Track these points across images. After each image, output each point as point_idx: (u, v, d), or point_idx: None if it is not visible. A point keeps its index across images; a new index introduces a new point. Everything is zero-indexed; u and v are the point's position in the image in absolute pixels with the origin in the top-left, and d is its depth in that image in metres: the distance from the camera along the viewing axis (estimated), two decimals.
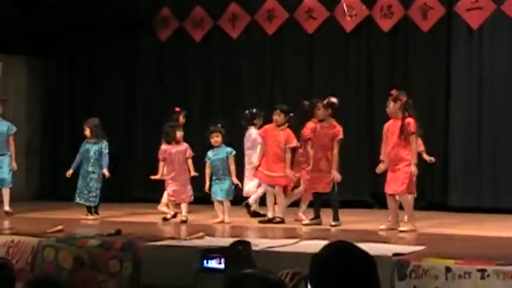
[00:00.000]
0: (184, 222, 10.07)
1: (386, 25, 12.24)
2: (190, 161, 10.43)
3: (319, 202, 9.86)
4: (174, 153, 10.43)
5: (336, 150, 9.72)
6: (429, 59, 12.05)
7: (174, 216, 10.35)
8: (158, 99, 13.52)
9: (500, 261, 6.20)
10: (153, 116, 13.04)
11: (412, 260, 6.37)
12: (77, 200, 10.84)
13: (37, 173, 14.34)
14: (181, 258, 7.09)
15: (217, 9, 13.26)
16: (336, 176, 9.69)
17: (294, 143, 10.13)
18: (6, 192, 11.30)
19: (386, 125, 9.34)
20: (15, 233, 8.33)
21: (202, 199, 10.54)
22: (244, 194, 10.92)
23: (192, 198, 10.38)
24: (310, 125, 10.09)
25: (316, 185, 9.80)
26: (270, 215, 10.14)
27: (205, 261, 6.29)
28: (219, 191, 10.12)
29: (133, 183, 13.34)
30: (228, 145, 10.34)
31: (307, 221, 9.82)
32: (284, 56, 13.02)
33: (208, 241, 7.77)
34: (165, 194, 10.79)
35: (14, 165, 11.48)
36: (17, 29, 13.34)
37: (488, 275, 6.00)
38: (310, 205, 10.09)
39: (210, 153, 10.26)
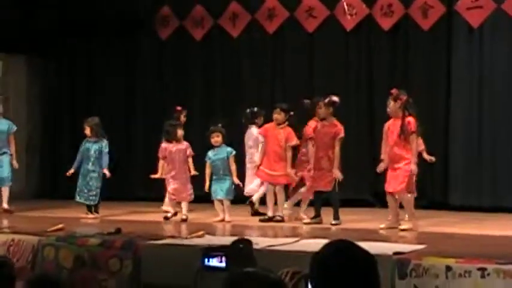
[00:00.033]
0: (184, 221, 10.08)
1: (386, 24, 12.24)
2: (190, 160, 10.44)
3: (319, 201, 9.86)
4: (175, 152, 10.43)
5: (337, 149, 9.72)
6: (429, 58, 12.05)
7: (175, 214, 10.36)
8: (158, 98, 13.52)
9: (500, 260, 6.20)
10: (153, 115, 13.04)
11: (412, 259, 6.37)
12: (77, 198, 10.84)
13: (37, 172, 14.36)
14: (182, 257, 7.09)
15: (218, 8, 13.26)
16: (338, 174, 9.69)
17: (295, 141, 10.13)
18: (5, 191, 11.34)
19: (386, 125, 9.34)
20: (15, 231, 8.33)
21: (202, 198, 10.54)
22: (246, 193, 10.92)
23: (193, 196, 10.39)
24: (312, 123, 10.08)
25: (318, 183, 9.80)
26: (270, 213, 10.15)
27: (206, 260, 6.30)
28: (219, 190, 10.12)
29: (133, 182, 13.34)
30: (228, 145, 10.33)
31: (307, 220, 9.83)
32: (284, 54, 13.02)
33: (208, 240, 7.77)
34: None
35: (15, 163, 11.52)
36: (17, 29, 13.35)
37: (488, 274, 6.00)
38: (311, 204, 10.09)
39: (210, 153, 10.25)
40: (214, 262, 6.27)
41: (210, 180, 10.17)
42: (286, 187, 10.30)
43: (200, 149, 10.74)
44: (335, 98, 9.84)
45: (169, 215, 10.37)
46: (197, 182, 10.45)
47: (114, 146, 11.37)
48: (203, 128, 11.11)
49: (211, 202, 10.24)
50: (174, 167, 10.40)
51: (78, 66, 14.34)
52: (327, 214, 9.71)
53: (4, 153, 11.45)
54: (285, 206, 10.22)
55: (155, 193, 11.60)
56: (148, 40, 13.73)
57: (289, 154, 10.11)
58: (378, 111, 11.21)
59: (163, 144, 10.60)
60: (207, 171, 10.21)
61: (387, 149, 9.24)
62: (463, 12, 11.73)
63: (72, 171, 10.88)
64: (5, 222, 9.96)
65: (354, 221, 10.01)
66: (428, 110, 11.24)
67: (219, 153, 10.21)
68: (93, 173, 10.81)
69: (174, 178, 10.39)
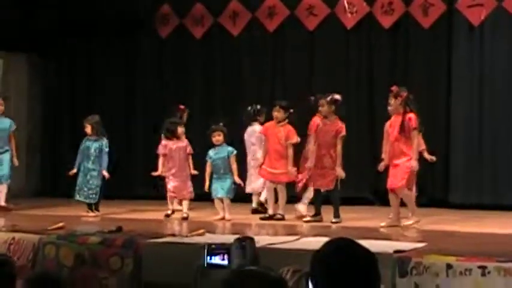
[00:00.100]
0: (185, 219, 10.08)
1: (387, 22, 12.23)
2: (190, 158, 10.44)
3: (320, 199, 9.86)
4: (175, 150, 10.43)
5: (339, 147, 9.73)
6: (430, 56, 12.05)
7: (172, 212, 10.39)
8: (158, 97, 13.51)
9: (500, 257, 6.20)
10: (154, 114, 13.02)
11: (413, 257, 6.37)
12: (77, 197, 10.84)
13: (37, 170, 14.36)
14: (182, 255, 7.10)
15: (218, 6, 13.25)
16: (341, 173, 9.69)
17: (295, 138, 10.13)
18: (3, 188, 11.36)
19: (387, 123, 9.36)
20: (16, 230, 8.33)
21: (202, 196, 10.54)
22: (250, 191, 10.91)
23: (193, 194, 10.39)
24: (316, 119, 10.03)
25: (319, 181, 9.80)
26: (270, 211, 10.15)
27: (209, 258, 6.30)
28: (219, 188, 10.11)
29: (134, 180, 13.35)
30: (229, 144, 10.32)
31: (308, 218, 9.83)
32: (285, 53, 13.02)
33: (208, 238, 7.78)
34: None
35: (15, 161, 11.54)
36: (17, 29, 13.34)
37: (489, 272, 6.00)
38: (311, 202, 10.09)
39: (211, 152, 10.24)
40: (216, 260, 6.27)
41: (210, 180, 10.17)
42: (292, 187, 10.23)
43: (200, 146, 10.74)
44: (337, 96, 9.85)
45: (169, 212, 10.39)
46: (197, 181, 10.45)
47: (114, 146, 11.36)
48: (203, 126, 11.11)
49: (212, 201, 10.24)
50: (174, 164, 10.40)
51: (78, 66, 14.33)
52: (327, 212, 9.71)
53: (6, 151, 11.47)
54: (300, 208, 10.13)
55: (155, 192, 11.59)
56: (148, 40, 13.73)
57: (290, 152, 10.10)
58: (379, 109, 11.22)
59: (164, 142, 10.61)
60: (208, 170, 10.20)
61: (388, 147, 9.25)
62: (464, 10, 11.73)
63: (74, 170, 10.85)
64: (5, 221, 9.96)
65: (354, 219, 10.02)
66: (428, 108, 11.23)
67: (220, 152, 10.20)
68: (94, 172, 10.80)
69: (174, 176, 10.40)
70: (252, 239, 6.53)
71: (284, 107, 10.24)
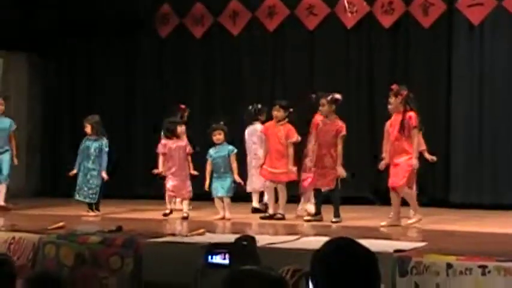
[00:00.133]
0: (185, 218, 10.08)
1: (387, 21, 12.23)
2: (189, 158, 10.44)
3: (320, 199, 9.86)
4: (174, 149, 10.43)
5: (339, 147, 9.73)
6: (430, 56, 12.05)
7: (170, 212, 10.39)
8: (158, 97, 13.52)
9: (501, 257, 6.20)
10: (153, 113, 13.03)
11: (413, 257, 6.36)
12: (76, 197, 10.84)
13: (37, 170, 14.36)
14: (183, 254, 7.10)
15: (218, 6, 13.26)
16: (342, 172, 9.69)
17: (295, 137, 10.12)
18: (2, 188, 11.37)
19: (387, 123, 9.35)
20: (16, 229, 8.33)
21: (202, 196, 10.54)
22: (251, 190, 10.91)
23: (192, 194, 10.39)
24: (318, 117, 10.01)
25: (320, 181, 9.79)
26: (270, 211, 10.15)
27: (210, 257, 6.30)
28: (220, 187, 10.11)
29: (134, 180, 13.35)
30: (229, 143, 10.33)
31: (308, 218, 9.82)
32: (285, 52, 13.02)
33: (209, 237, 7.77)
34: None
35: (15, 160, 11.56)
36: (17, 29, 13.34)
37: (489, 271, 6.00)
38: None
39: (211, 151, 10.24)
40: (217, 259, 6.27)
41: (210, 179, 10.17)
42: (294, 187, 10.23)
43: (200, 146, 10.75)
44: (338, 96, 9.85)
45: (167, 211, 10.40)
46: (197, 180, 10.45)
47: (114, 145, 11.37)
48: (203, 125, 11.11)
49: (212, 200, 10.24)
50: (174, 163, 10.40)
51: (78, 66, 14.34)
52: (327, 212, 9.71)
53: (6, 151, 11.48)
54: (309, 208, 10.11)
55: (155, 191, 11.59)
56: (148, 39, 13.73)
57: (291, 151, 10.10)
58: (379, 108, 11.22)
59: (163, 141, 10.62)
60: (208, 168, 10.20)
61: (388, 147, 9.25)
62: (464, 9, 11.73)
63: (74, 171, 10.85)
64: (5, 220, 9.96)
65: (355, 218, 10.01)
66: (428, 108, 11.23)
67: (221, 151, 10.20)
68: (93, 171, 10.80)
69: (174, 175, 10.39)
70: (253, 238, 6.52)
71: (284, 106, 10.24)
